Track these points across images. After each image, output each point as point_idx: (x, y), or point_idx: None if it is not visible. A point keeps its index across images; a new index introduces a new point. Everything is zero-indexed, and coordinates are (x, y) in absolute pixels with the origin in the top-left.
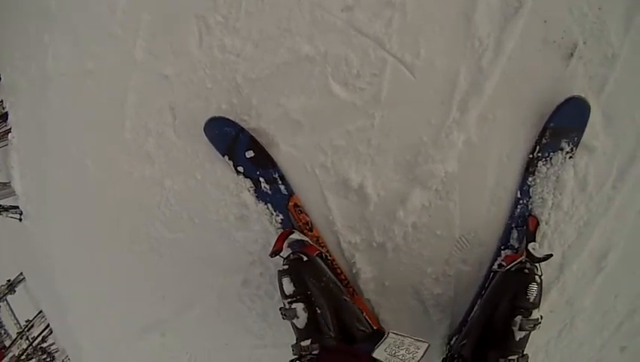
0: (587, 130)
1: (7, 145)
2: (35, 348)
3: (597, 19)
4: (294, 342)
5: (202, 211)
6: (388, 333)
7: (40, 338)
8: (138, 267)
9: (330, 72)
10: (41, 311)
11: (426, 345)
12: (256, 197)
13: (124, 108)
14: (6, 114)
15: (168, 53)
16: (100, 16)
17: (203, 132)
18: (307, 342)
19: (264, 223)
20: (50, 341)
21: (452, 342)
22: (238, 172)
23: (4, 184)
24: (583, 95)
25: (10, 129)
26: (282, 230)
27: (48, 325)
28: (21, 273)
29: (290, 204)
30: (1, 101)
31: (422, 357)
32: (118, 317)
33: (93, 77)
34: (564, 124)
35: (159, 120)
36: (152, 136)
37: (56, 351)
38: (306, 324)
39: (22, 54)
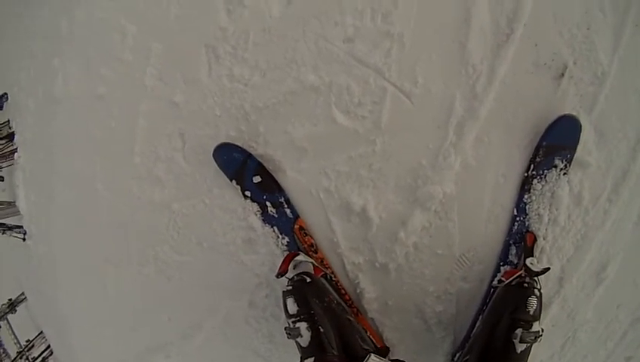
0: (580, 146)
1: (12, 164)
2: None
3: (586, 39)
4: (298, 361)
5: (210, 235)
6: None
7: (40, 359)
8: (144, 289)
9: (333, 101)
10: (41, 332)
11: None
12: (263, 220)
13: (133, 133)
14: (12, 134)
15: (178, 80)
16: (110, 42)
17: (212, 157)
18: (310, 360)
19: (270, 246)
20: None
21: (455, 359)
22: (245, 196)
23: (9, 203)
24: (574, 113)
25: (16, 149)
26: (288, 252)
27: (49, 346)
28: (22, 292)
29: (295, 226)
30: (8, 121)
31: None
32: (121, 338)
33: (103, 101)
34: (556, 142)
35: (169, 145)
36: (162, 161)
37: None
38: (310, 343)
39: (30, 75)
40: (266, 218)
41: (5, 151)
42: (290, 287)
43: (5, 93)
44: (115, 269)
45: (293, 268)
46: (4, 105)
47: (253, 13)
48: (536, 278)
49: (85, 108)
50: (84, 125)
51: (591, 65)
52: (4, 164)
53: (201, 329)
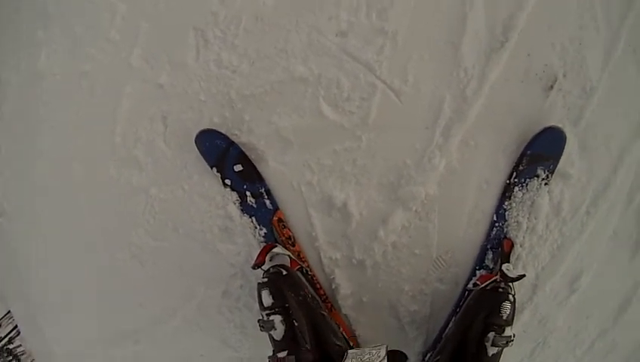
0: (563, 158)
1: None
2: (0, 349)
3: (577, 54)
4: (270, 354)
5: (187, 221)
6: (347, 353)
7: (6, 339)
8: (118, 273)
9: (321, 94)
10: (9, 312)
11: (385, 345)
12: (242, 210)
13: (116, 113)
14: None
15: (164, 62)
16: (98, 20)
17: (194, 143)
18: (284, 354)
19: (248, 236)
20: (16, 342)
21: (427, 359)
22: (225, 184)
23: None
24: (560, 125)
25: None
26: (265, 243)
27: (16, 326)
28: None
29: (274, 218)
30: None
31: (385, 356)
32: (92, 322)
33: (88, 79)
34: (541, 152)
35: (150, 128)
36: (142, 144)
37: (22, 354)
38: (283, 336)
39: (13, 49)
40: (245, 208)
41: None
42: (266, 279)
43: None
44: (89, 251)
45: (270, 260)
46: None
47: None
48: (510, 284)
49: (68, 85)
50: (66, 103)
51: (580, 80)
52: None
53: (172, 316)
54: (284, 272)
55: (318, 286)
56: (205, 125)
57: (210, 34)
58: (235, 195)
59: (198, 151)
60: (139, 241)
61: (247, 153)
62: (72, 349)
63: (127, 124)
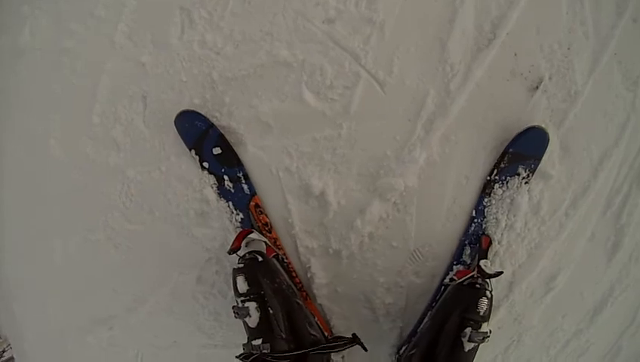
0: (545, 158)
1: None
2: None
3: (565, 58)
4: (245, 341)
5: (163, 204)
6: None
7: None
8: (91, 256)
9: (304, 80)
10: None
11: None
12: (219, 194)
13: (95, 91)
14: None
15: (148, 41)
16: None
17: (173, 124)
18: (258, 341)
19: (224, 221)
20: None
21: (401, 352)
22: (203, 167)
23: None
24: (543, 125)
25: None
26: (241, 229)
27: None
28: None
29: (251, 203)
30: None
31: None
32: (66, 308)
33: (69, 55)
34: (523, 151)
35: (130, 107)
36: (121, 124)
37: None
38: (258, 324)
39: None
40: (222, 192)
41: None
42: (242, 265)
43: None
44: (64, 233)
45: (246, 246)
46: None
47: None
48: (488, 280)
49: (49, 61)
50: (46, 79)
51: (566, 83)
52: None
53: (146, 302)
54: (260, 259)
55: (293, 274)
56: (185, 106)
57: (196, 14)
58: (212, 179)
59: (176, 133)
60: (114, 223)
61: (227, 136)
62: (47, 335)
63: (106, 103)
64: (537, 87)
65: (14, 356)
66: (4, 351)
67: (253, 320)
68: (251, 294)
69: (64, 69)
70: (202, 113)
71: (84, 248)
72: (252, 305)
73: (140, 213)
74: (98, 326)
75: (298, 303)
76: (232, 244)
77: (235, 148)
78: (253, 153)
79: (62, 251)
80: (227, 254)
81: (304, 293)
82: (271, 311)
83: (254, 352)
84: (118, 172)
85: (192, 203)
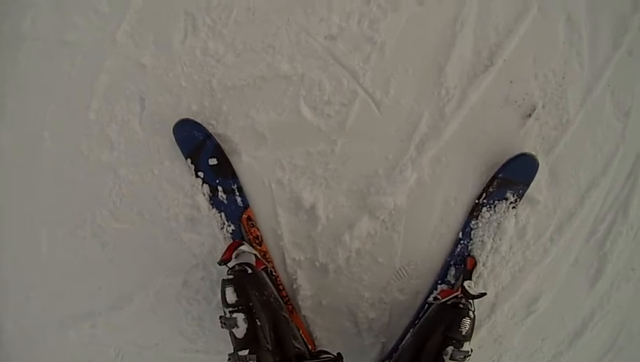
0: (533, 184)
1: None
2: None
3: (559, 87)
4: (228, 351)
5: (153, 207)
6: None
7: None
8: (77, 252)
9: (302, 94)
10: None
11: None
12: (211, 204)
13: (93, 87)
14: None
15: (150, 42)
16: None
17: (169, 128)
18: (245, 352)
19: (213, 229)
20: None
21: None
22: (197, 176)
23: None
24: (534, 153)
25: None
26: (232, 240)
27: None
28: None
29: (244, 216)
30: None
31: None
32: (48, 301)
33: (70, 49)
34: (512, 177)
35: (127, 107)
36: (116, 123)
37: None
38: (245, 335)
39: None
40: (215, 202)
41: None
42: (231, 276)
43: None
44: (51, 225)
45: (235, 257)
46: None
47: None
48: (471, 301)
49: (48, 52)
50: (44, 69)
51: (558, 112)
52: None
53: (131, 302)
54: (250, 271)
55: (281, 287)
56: (183, 111)
57: (200, 20)
58: (206, 188)
59: (172, 137)
60: (102, 221)
61: (222, 145)
62: (27, 328)
63: (103, 100)
64: (530, 115)
65: None
66: None
67: (241, 331)
68: (240, 305)
69: (63, 62)
70: (200, 122)
71: (70, 243)
72: (240, 316)
73: (129, 213)
74: (80, 322)
75: (284, 316)
76: (223, 255)
77: (229, 157)
78: (246, 163)
79: (47, 244)
80: (215, 261)
81: (290, 306)
82: (258, 323)
83: None
84: (109, 170)
85: (183, 208)
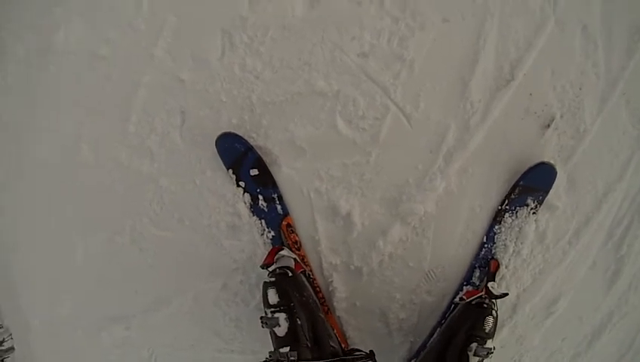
0: (552, 191)
1: None
2: None
3: (576, 98)
4: (263, 351)
5: (195, 215)
6: None
7: None
8: (115, 258)
9: (338, 110)
10: None
11: None
12: (252, 211)
13: (132, 101)
14: None
15: (188, 58)
16: (123, 6)
17: (211, 142)
18: (286, 349)
19: (254, 235)
20: None
21: None
22: (239, 186)
23: None
24: (552, 162)
25: None
26: (272, 246)
27: None
28: None
29: (283, 223)
30: None
31: None
32: (81, 304)
33: (105, 63)
34: (532, 184)
35: (167, 120)
36: (157, 135)
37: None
38: (286, 333)
39: (24, 20)
40: (256, 210)
41: None
42: (273, 279)
43: None
44: (88, 232)
45: (276, 261)
46: None
47: (276, 8)
48: (494, 301)
49: (84, 65)
50: (78, 82)
51: (575, 122)
52: None
53: (168, 304)
54: (290, 274)
55: (317, 289)
56: (223, 125)
57: (238, 38)
58: (247, 197)
59: (213, 149)
60: (141, 228)
61: (262, 156)
62: (55, 326)
63: (142, 113)
64: (549, 125)
65: (14, 346)
66: (3, 341)
67: (282, 329)
68: (281, 306)
69: (99, 76)
70: (241, 135)
71: (107, 249)
72: (282, 316)
73: (169, 220)
74: (114, 324)
75: (321, 317)
76: (265, 259)
77: (269, 168)
78: (286, 173)
79: (83, 249)
80: (254, 266)
81: (325, 307)
82: (299, 322)
83: (282, 359)
84: (150, 180)
85: (224, 216)
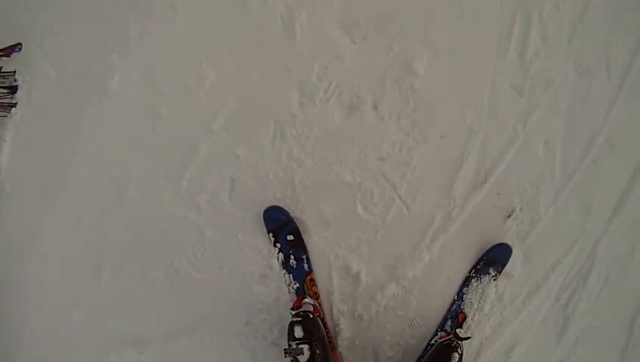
0: (509, 263)
1: (5, 116)
2: None
3: (533, 195)
4: None
5: (233, 264)
6: None
7: None
8: (144, 288)
9: (359, 197)
10: None
11: None
12: (283, 266)
13: (187, 162)
14: (16, 87)
15: (243, 137)
16: (185, 75)
17: (256, 207)
18: None
19: (281, 285)
20: None
21: None
22: (275, 246)
23: None
24: (510, 243)
25: (15, 104)
26: (297, 295)
27: None
28: None
29: (307, 278)
30: (14, 72)
31: None
32: (94, 322)
33: (162, 122)
34: (493, 258)
35: (218, 184)
36: (207, 193)
37: None
38: (308, 359)
39: (83, 57)
40: (286, 266)
41: (4, 101)
42: (299, 319)
43: (19, 44)
44: (122, 259)
45: (301, 306)
46: (13, 56)
47: (320, 112)
48: (460, 342)
49: (139, 116)
50: (132, 128)
51: (531, 213)
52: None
53: (190, 334)
54: (311, 316)
55: (327, 329)
56: (269, 197)
57: (288, 130)
58: (281, 255)
59: (257, 213)
60: (178, 267)
61: (298, 225)
62: (53, 342)
63: (196, 173)
64: (510, 216)
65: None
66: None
67: (305, 357)
68: (305, 339)
69: (154, 131)
70: (283, 207)
71: (137, 278)
72: (305, 347)
73: (209, 266)
74: (127, 348)
75: (330, 351)
76: (294, 304)
77: (302, 235)
78: (314, 240)
79: (112, 273)
80: (278, 308)
81: (331, 344)
82: (318, 352)
83: None
84: (194, 228)
85: (259, 267)
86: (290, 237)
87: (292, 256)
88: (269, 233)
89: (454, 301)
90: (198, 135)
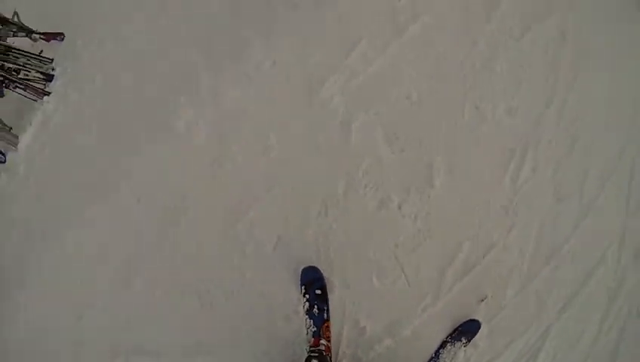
0: (477, 335)
1: (36, 101)
2: None
3: (502, 288)
4: None
5: (264, 303)
6: None
7: None
8: (172, 304)
9: (375, 270)
10: None
11: None
12: (306, 313)
13: (240, 214)
14: (52, 76)
15: (294, 205)
16: (254, 145)
17: (292, 262)
18: None
19: (301, 327)
20: None
21: None
22: (303, 296)
23: (7, 128)
24: (480, 320)
25: (49, 93)
26: (313, 336)
27: None
28: None
29: (324, 324)
30: (52, 60)
31: None
32: (106, 325)
33: (223, 171)
34: (466, 330)
35: (265, 237)
36: (254, 243)
37: None
38: None
39: (133, 74)
40: (310, 313)
41: (37, 86)
42: (316, 354)
43: (62, 34)
44: (154, 277)
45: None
46: (52, 42)
47: (357, 203)
48: None
49: (203, 160)
50: (194, 165)
51: (499, 298)
52: (31, 96)
53: (208, 354)
54: (325, 353)
55: None
56: (306, 255)
57: (331, 210)
58: (307, 304)
59: (293, 266)
60: (214, 294)
61: (326, 283)
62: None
63: (246, 225)
64: (483, 300)
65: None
66: None
67: None
68: None
69: (216, 176)
70: (319, 268)
71: (167, 294)
72: None
73: (241, 300)
74: (140, 356)
75: None
76: (313, 342)
77: (328, 292)
78: (336, 296)
79: (142, 286)
80: (293, 342)
81: None
82: None
83: None
84: (237, 270)
85: (286, 309)
86: (318, 291)
87: (316, 306)
88: (301, 285)
89: (432, 358)
90: (251, 199)
